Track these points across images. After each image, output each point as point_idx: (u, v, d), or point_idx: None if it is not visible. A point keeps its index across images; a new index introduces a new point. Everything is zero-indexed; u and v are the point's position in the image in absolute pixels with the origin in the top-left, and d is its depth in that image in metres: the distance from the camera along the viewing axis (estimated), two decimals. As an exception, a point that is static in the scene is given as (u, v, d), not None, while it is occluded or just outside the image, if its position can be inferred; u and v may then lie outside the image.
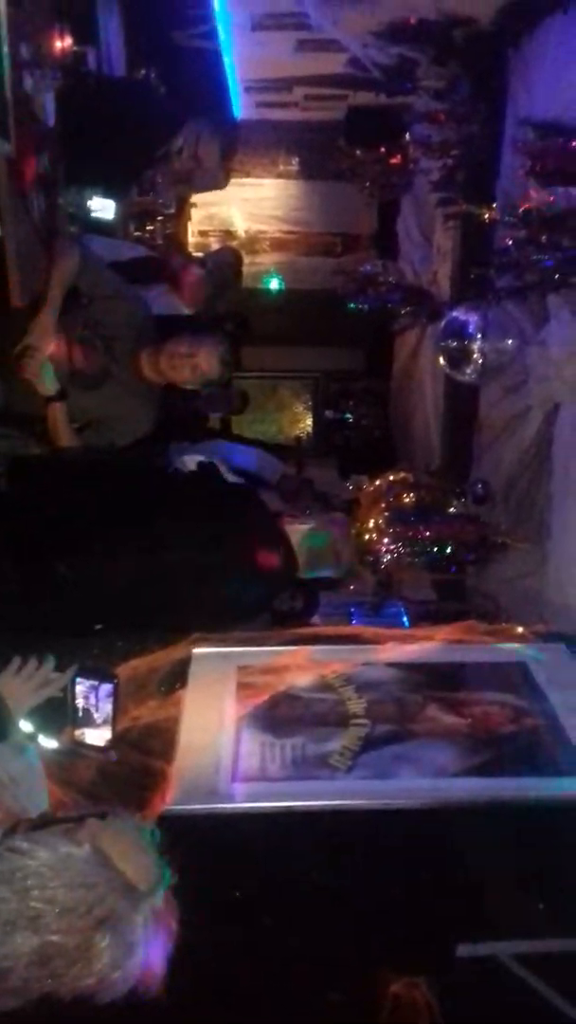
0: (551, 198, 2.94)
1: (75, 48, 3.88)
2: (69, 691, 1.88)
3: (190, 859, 1.66)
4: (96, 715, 1.89)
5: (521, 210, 3.10)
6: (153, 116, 4.31)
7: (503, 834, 1.95)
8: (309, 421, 7.75)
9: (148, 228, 4.87)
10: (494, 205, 3.99)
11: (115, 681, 1.90)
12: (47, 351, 3.08)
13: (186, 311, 4.42)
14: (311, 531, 2.84)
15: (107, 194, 3.95)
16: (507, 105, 4.17)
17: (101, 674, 1.90)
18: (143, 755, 2.06)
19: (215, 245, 7.41)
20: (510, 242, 3.33)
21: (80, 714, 1.88)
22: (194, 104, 4.56)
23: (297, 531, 2.81)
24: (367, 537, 3.73)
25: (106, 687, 1.88)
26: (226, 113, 4.76)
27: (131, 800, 1.85)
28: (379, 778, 2.04)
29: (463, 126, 4.38)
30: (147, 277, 4.12)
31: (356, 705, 2.26)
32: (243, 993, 1.92)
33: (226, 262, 5.13)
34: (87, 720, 1.89)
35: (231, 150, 4.56)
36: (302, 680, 2.35)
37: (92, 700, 1.88)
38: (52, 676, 1.87)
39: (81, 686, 1.88)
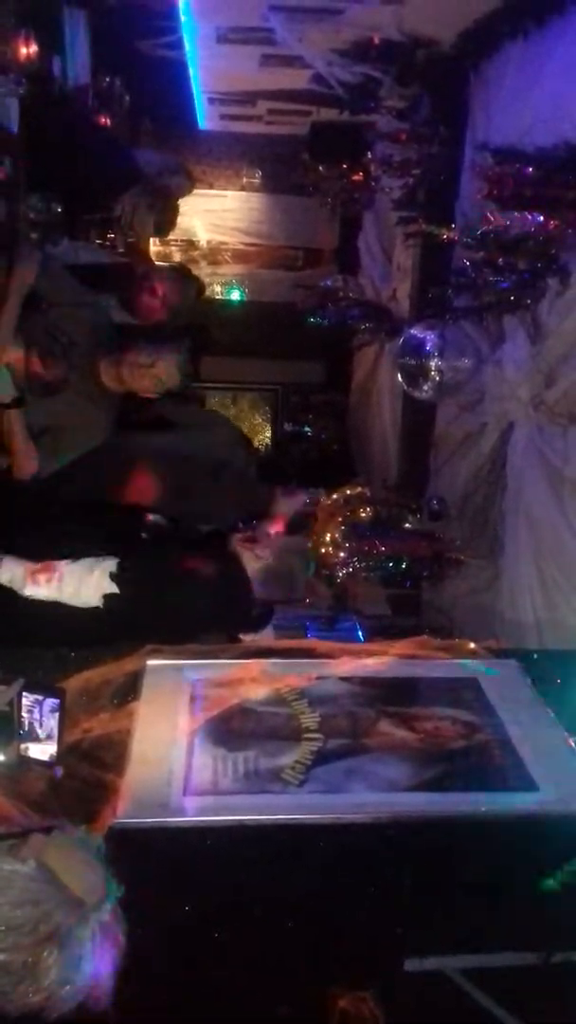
0: (508, 223, 3.00)
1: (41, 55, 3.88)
2: (15, 705, 1.87)
3: (140, 872, 1.65)
4: (41, 730, 1.88)
5: (479, 232, 3.15)
6: (105, 170, 4.36)
7: (452, 848, 1.97)
8: (268, 433, 7.77)
9: (109, 235, 4.84)
10: (453, 226, 4.05)
11: (60, 696, 1.91)
12: (5, 358, 3.06)
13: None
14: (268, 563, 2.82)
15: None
16: (467, 128, 4.25)
17: (47, 689, 1.90)
18: (94, 767, 2.04)
19: (177, 255, 7.42)
20: (468, 263, 3.39)
21: (26, 728, 1.88)
22: (140, 171, 4.63)
23: (250, 557, 2.79)
24: (323, 551, 3.75)
25: (51, 702, 1.88)
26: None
27: (81, 813, 1.84)
28: (331, 792, 2.03)
29: (424, 146, 4.45)
30: (104, 286, 4.10)
31: (309, 719, 2.26)
32: (190, 1007, 1.91)
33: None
34: (32, 734, 1.88)
35: (168, 222, 4.65)
36: (256, 693, 2.34)
37: (37, 715, 1.88)
38: None
39: (27, 700, 1.88)
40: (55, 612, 2.55)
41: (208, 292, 6.17)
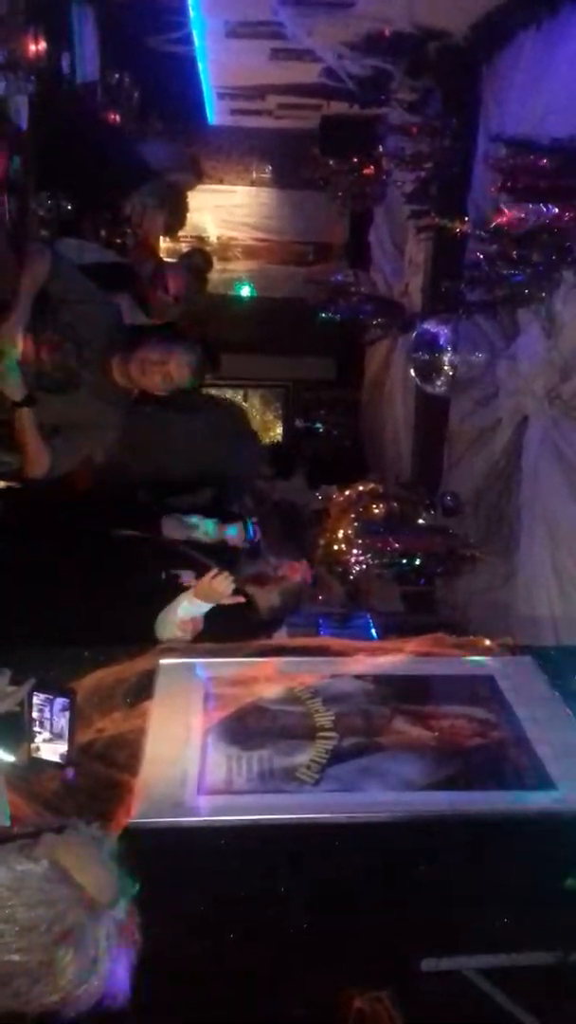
0: (522, 214, 2.98)
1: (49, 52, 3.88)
2: (26, 706, 1.87)
3: (155, 872, 1.64)
4: (52, 730, 1.88)
5: (492, 225, 3.13)
6: (114, 168, 4.36)
7: (468, 847, 1.95)
8: (279, 429, 7.76)
9: (122, 232, 4.84)
10: (466, 219, 4.03)
11: (70, 696, 1.90)
12: (15, 354, 3.04)
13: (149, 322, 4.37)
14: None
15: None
16: (479, 120, 4.22)
17: (56, 689, 1.89)
18: (108, 767, 2.03)
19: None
20: (481, 256, 3.37)
21: (36, 728, 1.88)
22: (149, 168, 4.64)
23: (262, 596, 2.88)
24: (336, 548, 3.75)
25: (61, 701, 1.88)
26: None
27: (96, 812, 1.83)
28: (346, 791, 2.02)
29: (436, 139, 4.42)
30: (113, 285, 4.09)
31: (324, 718, 2.25)
32: (206, 1006, 1.90)
33: (195, 265, 5.09)
34: (43, 735, 1.88)
35: (177, 220, 4.66)
36: (270, 692, 2.33)
37: (47, 715, 1.87)
38: (8, 690, 1.85)
39: (37, 700, 1.87)
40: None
41: (218, 288, 6.17)
